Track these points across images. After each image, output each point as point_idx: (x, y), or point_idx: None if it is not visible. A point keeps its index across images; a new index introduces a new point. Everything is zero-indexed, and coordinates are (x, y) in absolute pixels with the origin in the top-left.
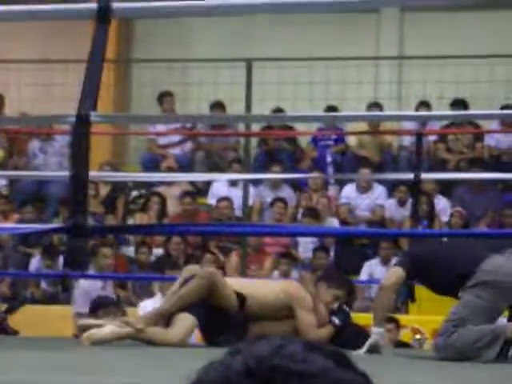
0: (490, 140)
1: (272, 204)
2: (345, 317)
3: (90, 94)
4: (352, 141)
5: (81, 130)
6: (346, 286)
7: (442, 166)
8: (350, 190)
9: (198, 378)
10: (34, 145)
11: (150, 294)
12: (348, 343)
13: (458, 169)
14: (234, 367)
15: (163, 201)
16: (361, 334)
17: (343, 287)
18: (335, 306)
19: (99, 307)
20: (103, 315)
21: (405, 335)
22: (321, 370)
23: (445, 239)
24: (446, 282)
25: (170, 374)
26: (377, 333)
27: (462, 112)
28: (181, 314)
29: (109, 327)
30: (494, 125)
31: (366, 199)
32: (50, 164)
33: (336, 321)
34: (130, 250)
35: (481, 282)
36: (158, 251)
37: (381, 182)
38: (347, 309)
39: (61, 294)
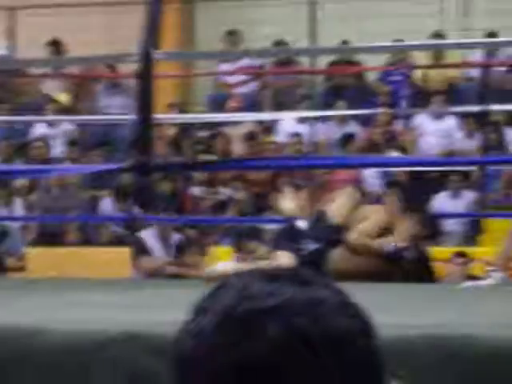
0: None
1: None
2: (418, 254)
3: (151, 33)
4: (416, 75)
5: (144, 67)
6: (431, 229)
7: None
8: (421, 118)
9: (179, 353)
10: (100, 88)
11: (220, 234)
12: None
13: None
14: (207, 329)
15: (228, 141)
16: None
17: (427, 229)
18: (411, 241)
19: (184, 249)
20: (189, 256)
21: (477, 268)
22: (289, 297)
23: None
24: None
25: None
26: (495, 277)
27: None
28: (279, 251)
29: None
30: None
31: (437, 126)
32: (117, 107)
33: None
34: (196, 190)
35: None
36: (226, 191)
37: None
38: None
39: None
